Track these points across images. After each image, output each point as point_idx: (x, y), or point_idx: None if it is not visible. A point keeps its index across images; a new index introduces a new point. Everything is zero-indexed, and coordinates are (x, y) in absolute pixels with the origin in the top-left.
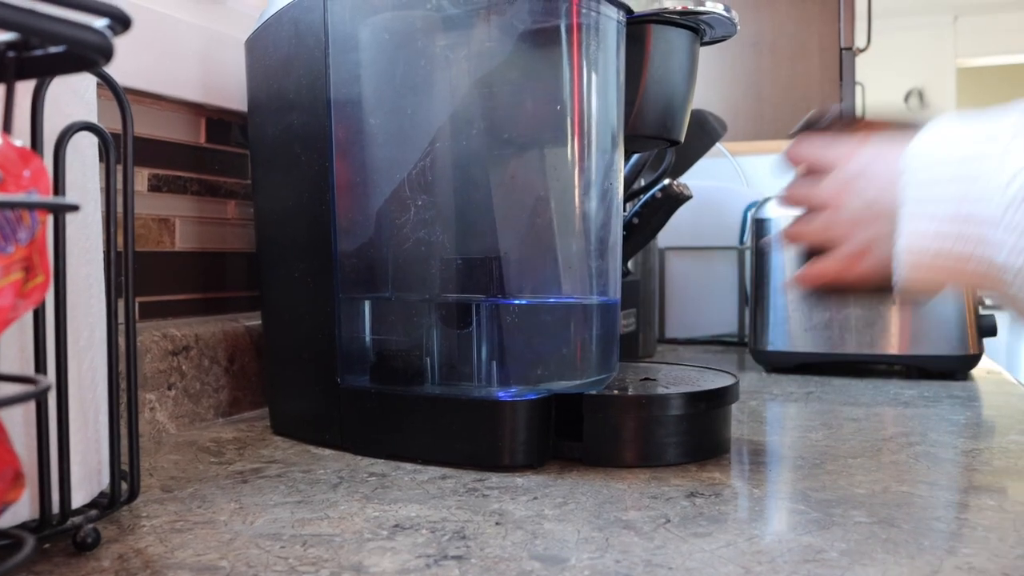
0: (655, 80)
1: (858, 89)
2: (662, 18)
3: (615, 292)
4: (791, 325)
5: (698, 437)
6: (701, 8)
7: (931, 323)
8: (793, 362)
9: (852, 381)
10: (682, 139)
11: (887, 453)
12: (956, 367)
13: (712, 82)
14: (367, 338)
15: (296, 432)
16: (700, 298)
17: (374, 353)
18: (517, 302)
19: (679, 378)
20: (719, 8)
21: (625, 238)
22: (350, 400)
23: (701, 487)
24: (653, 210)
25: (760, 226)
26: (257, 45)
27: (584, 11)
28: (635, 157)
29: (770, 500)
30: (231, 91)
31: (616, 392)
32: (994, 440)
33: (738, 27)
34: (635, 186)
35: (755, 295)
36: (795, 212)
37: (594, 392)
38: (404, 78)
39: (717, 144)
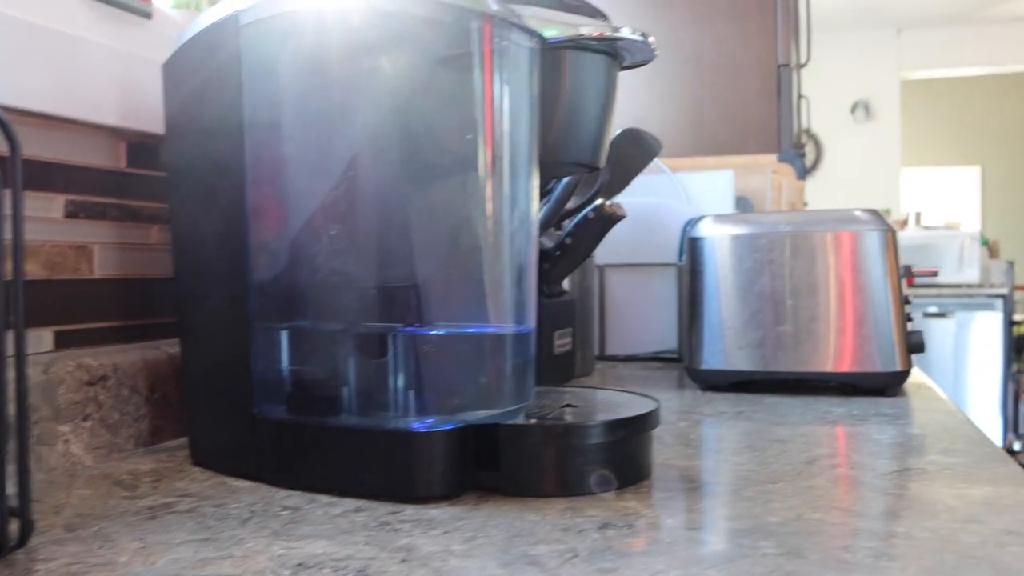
0: (572, 106)
1: (803, 103)
2: (578, 44)
3: (531, 320)
4: (725, 343)
5: (617, 465)
6: (617, 35)
7: (860, 340)
8: (728, 380)
9: (785, 399)
10: (601, 164)
11: (806, 477)
12: (886, 384)
13: (653, 99)
14: (283, 367)
15: (214, 463)
16: (640, 315)
17: (290, 383)
18: (433, 332)
19: (601, 404)
20: (635, 35)
21: (558, 258)
22: (266, 431)
23: (615, 518)
24: (586, 230)
25: (694, 244)
26: (173, 69)
27: (496, 38)
28: (567, 178)
29: (681, 531)
30: (152, 115)
31: (532, 421)
32: (913, 461)
33: (655, 52)
34: (569, 206)
35: (689, 313)
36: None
37: (510, 422)
38: (318, 105)
39: (657, 161)
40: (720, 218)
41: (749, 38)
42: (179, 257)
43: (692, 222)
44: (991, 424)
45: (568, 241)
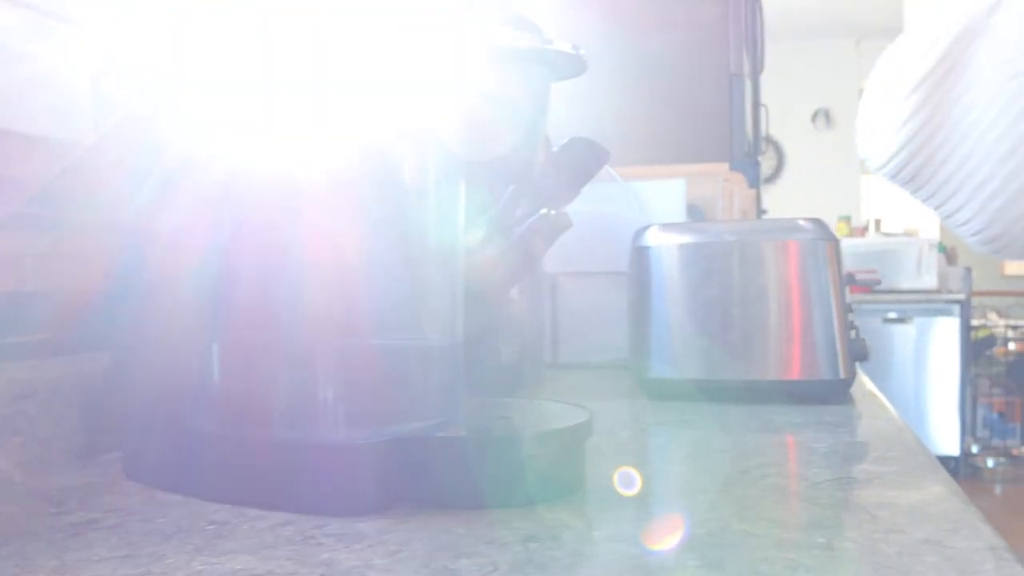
0: (506, 118)
1: (762, 111)
2: (506, 56)
3: (458, 332)
4: (673, 352)
5: (548, 477)
6: (547, 46)
7: (804, 349)
8: (675, 389)
9: (731, 408)
10: (535, 175)
11: (740, 487)
12: (830, 392)
13: (607, 107)
14: (214, 381)
15: (146, 477)
16: (592, 323)
17: (221, 396)
18: (362, 344)
19: (535, 415)
20: (565, 46)
21: (502, 268)
22: (197, 444)
23: (541, 531)
24: (530, 240)
25: (640, 253)
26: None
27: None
28: (512, 187)
29: (606, 544)
30: (83, 124)
31: (462, 434)
32: (846, 470)
33: (587, 64)
34: (519, 214)
35: (637, 322)
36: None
37: (439, 434)
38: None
39: (609, 169)
40: (666, 227)
41: (702, 48)
42: (112, 270)
43: (639, 231)
44: (950, 428)
45: (512, 251)
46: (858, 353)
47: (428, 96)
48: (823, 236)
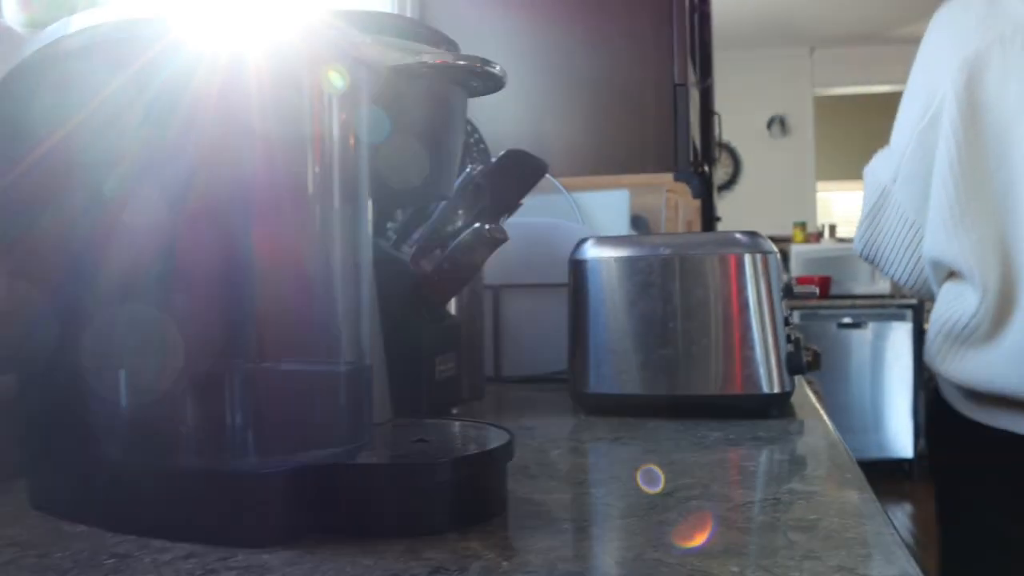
0: (413, 134)
1: (714, 119)
2: (419, 72)
3: (366, 355)
4: (609, 367)
5: (464, 503)
6: (461, 62)
7: (740, 363)
8: (612, 404)
9: (667, 423)
10: (450, 192)
11: (660, 511)
12: (767, 405)
13: (551, 118)
14: (120, 407)
15: (52, 507)
16: (535, 336)
17: (127, 423)
18: (268, 369)
19: (455, 437)
20: (477, 63)
21: (437, 282)
22: (102, 473)
23: (451, 560)
24: (465, 254)
25: (577, 267)
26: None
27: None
28: (444, 203)
29: (513, 575)
30: None
31: (372, 461)
32: (771, 490)
33: (505, 80)
34: (450, 228)
35: (573, 336)
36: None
37: (349, 461)
38: (145, 138)
39: (553, 180)
40: (603, 240)
41: (646, 58)
42: (13, 292)
43: (577, 244)
44: (905, 431)
45: (446, 265)
46: (796, 366)
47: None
48: (759, 249)
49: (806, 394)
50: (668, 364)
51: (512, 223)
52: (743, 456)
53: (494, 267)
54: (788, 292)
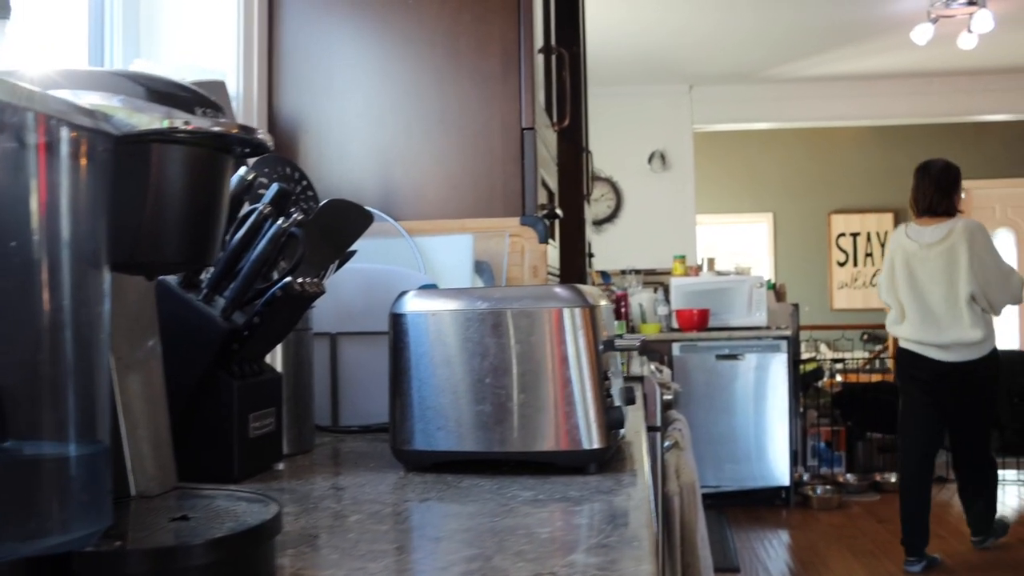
0: (163, 202)
1: (585, 157)
2: (170, 138)
3: (102, 433)
4: (426, 423)
5: None
6: (217, 128)
7: (557, 419)
8: (430, 461)
9: (482, 481)
10: (209, 261)
11: None
12: (585, 462)
13: (400, 161)
14: None
15: None
16: (374, 385)
17: None
18: None
19: (219, 513)
20: (234, 129)
21: (247, 338)
22: None
23: None
24: (276, 309)
25: (396, 321)
26: None
27: (54, 129)
28: (257, 251)
29: None
30: None
31: (114, 547)
32: (554, 562)
33: (270, 145)
34: (262, 282)
35: (392, 391)
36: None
37: (86, 549)
38: None
39: (396, 225)
40: (423, 292)
41: (493, 100)
42: None
43: (397, 297)
44: (782, 460)
45: (257, 320)
46: (614, 421)
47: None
48: (577, 303)
49: (631, 447)
50: (485, 421)
51: (350, 269)
52: (542, 521)
53: (330, 314)
54: (609, 346)
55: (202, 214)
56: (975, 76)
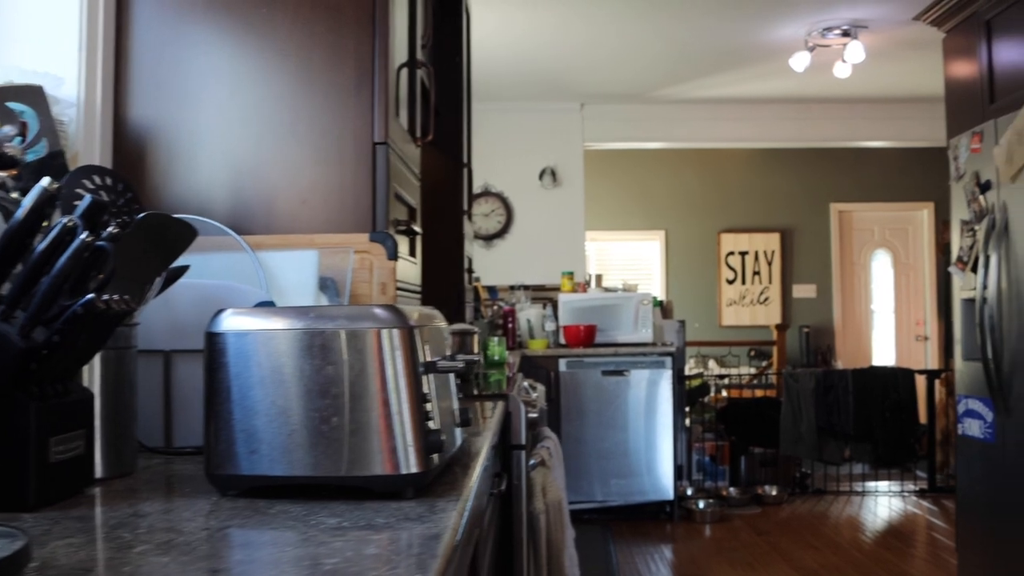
0: None
1: (466, 171)
2: None
3: None
4: (239, 447)
5: None
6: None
7: (373, 442)
8: (243, 486)
9: (293, 507)
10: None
11: None
12: (402, 486)
13: (252, 173)
14: None
15: None
16: None
17: None
18: None
19: None
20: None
21: (47, 356)
22: None
23: None
24: (78, 327)
25: (211, 340)
26: None
27: None
28: (58, 265)
29: None
30: None
31: None
32: None
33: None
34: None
35: (206, 413)
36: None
37: None
38: None
39: (239, 239)
40: (239, 312)
41: (346, 113)
42: None
43: (213, 316)
44: (667, 474)
45: (56, 338)
46: (432, 445)
47: None
48: (395, 324)
49: (457, 471)
50: (298, 444)
51: (184, 284)
52: (335, 551)
53: (164, 331)
54: (431, 367)
55: None
56: (852, 104)
